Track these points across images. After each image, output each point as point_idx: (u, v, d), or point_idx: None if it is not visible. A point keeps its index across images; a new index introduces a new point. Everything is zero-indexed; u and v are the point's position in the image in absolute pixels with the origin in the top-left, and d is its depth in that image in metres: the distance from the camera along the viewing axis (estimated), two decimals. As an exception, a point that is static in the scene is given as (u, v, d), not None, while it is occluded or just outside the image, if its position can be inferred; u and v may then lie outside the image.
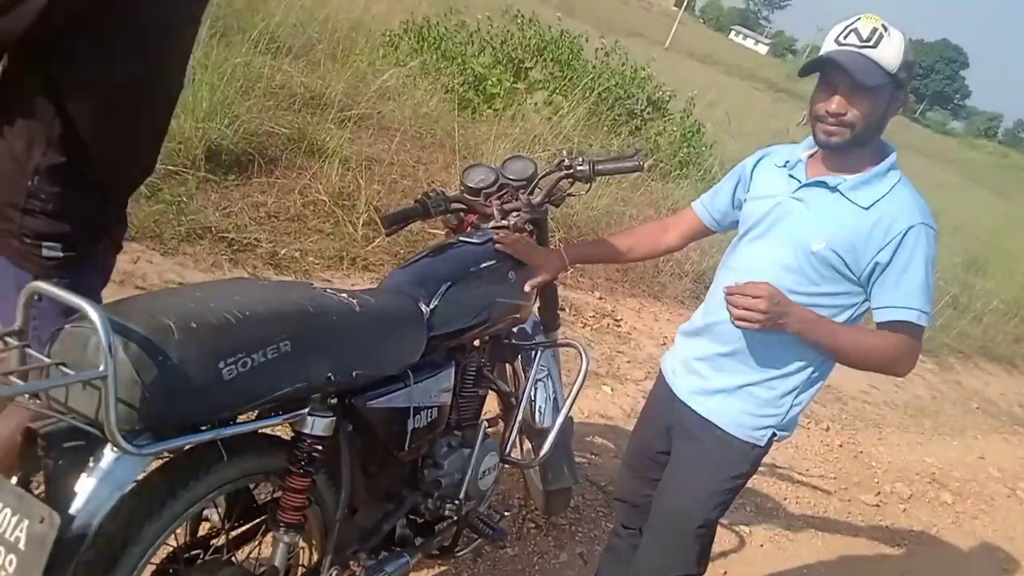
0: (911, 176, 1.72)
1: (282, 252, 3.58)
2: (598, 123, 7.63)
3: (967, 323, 7.29)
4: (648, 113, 8.46)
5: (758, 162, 1.90)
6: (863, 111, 1.62)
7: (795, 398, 1.80)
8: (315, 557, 1.71)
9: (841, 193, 1.68)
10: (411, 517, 1.93)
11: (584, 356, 2.17)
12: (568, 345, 2.31)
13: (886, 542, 3.47)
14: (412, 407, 1.71)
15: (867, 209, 1.65)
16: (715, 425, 1.82)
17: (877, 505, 3.76)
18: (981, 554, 3.71)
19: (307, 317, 1.44)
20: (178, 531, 1.49)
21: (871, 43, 1.59)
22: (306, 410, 1.47)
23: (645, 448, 2.06)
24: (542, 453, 2.15)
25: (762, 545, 3.03)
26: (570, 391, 2.17)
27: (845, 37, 1.63)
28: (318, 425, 1.48)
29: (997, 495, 4.38)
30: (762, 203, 1.80)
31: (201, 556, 1.54)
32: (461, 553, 2.08)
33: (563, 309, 4.15)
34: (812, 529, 3.31)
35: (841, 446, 4.24)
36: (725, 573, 2.73)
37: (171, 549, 1.50)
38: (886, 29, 1.61)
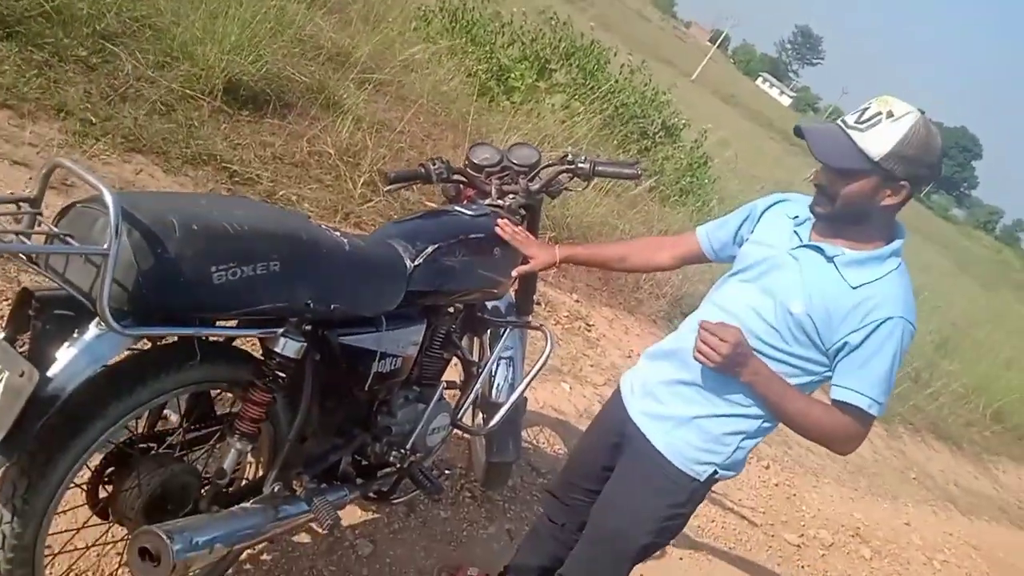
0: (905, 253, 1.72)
1: (280, 193, 3.65)
2: (610, 135, 7.76)
3: (923, 398, 7.46)
4: (660, 136, 8.61)
5: (772, 205, 1.88)
6: (836, 189, 1.62)
7: (742, 440, 1.80)
8: (260, 472, 1.81)
9: (835, 265, 1.66)
10: (357, 457, 2.03)
11: (549, 340, 2.27)
12: (536, 328, 2.40)
13: (799, 582, 3.61)
14: (379, 351, 1.81)
15: (854, 289, 1.63)
16: (658, 451, 1.83)
17: (798, 546, 3.89)
18: (887, 612, 3.86)
19: (299, 244, 1.54)
20: (139, 420, 1.59)
21: (861, 125, 1.58)
22: (280, 330, 1.56)
23: (589, 459, 2.10)
24: (492, 423, 2.25)
25: (681, 559, 3.15)
26: (529, 372, 2.28)
27: (853, 113, 1.61)
28: (289, 347, 1.57)
29: (914, 561, 4.53)
30: (760, 249, 1.80)
31: (155, 449, 1.63)
32: (396, 501, 2.18)
33: (539, 303, 4.26)
34: (732, 554, 3.44)
35: (777, 485, 4.37)
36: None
37: (129, 435, 1.59)
38: (891, 115, 1.56)
